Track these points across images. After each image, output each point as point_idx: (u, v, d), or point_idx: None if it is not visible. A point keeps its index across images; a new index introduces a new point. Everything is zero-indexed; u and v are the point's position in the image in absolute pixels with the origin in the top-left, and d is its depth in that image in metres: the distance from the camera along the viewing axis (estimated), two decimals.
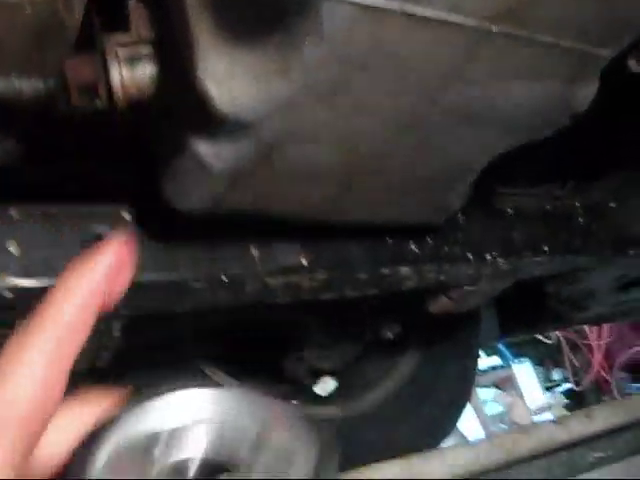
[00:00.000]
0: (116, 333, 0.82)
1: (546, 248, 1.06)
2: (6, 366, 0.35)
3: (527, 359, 4.71)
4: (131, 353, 1.15)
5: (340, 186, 0.67)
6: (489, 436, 1.17)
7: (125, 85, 0.62)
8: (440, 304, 1.13)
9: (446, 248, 0.95)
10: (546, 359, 6.06)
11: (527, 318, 2.05)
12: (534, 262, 1.06)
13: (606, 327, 5.79)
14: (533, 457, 1.18)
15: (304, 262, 0.81)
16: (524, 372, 4.55)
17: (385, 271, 0.89)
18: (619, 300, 1.69)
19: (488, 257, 0.99)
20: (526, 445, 1.18)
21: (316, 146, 0.60)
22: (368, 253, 0.87)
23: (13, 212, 0.70)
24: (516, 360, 4.84)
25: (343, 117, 0.58)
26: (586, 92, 0.65)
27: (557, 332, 5.96)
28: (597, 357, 5.83)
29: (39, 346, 0.35)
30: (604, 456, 1.28)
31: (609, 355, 5.90)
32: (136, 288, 0.77)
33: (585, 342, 5.92)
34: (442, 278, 0.98)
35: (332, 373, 1.53)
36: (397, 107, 0.60)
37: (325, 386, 1.69)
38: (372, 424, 1.40)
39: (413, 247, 0.91)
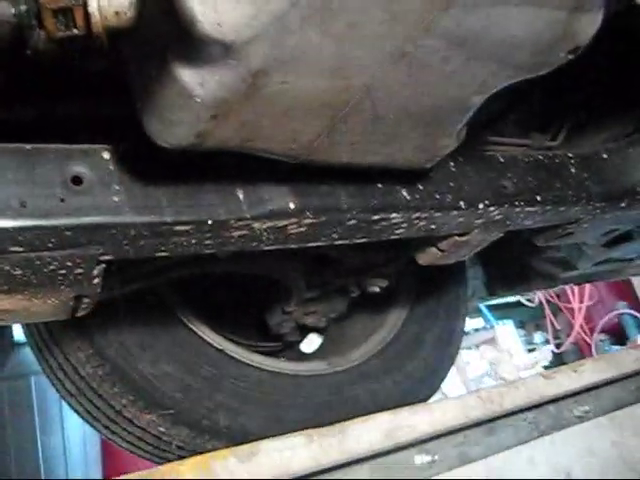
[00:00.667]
0: (96, 280, 0.79)
1: (539, 198, 1.03)
2: None
3: (510, 321, 4.76)
4: (112, 302, 1.12)
5: (329, 120, 0.64)
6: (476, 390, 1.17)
7: (103, 10, 0.59)
8: (429, 255, 1.10)
9: (438, 196, 0.92)
10: (528, 322, 6.14)
11: (513, 278, 2.05)
12: (526, 212, 1.03)
13: (587, 290, 5.86)
14: (520, 410, 1.17)
15: (292, 206, 0.78)
16: (507, 333, 4.60)
17: (375, 217, 0.86)
18: (606, 257, 1.69)
19: (480, 205, 0.96)
20: (513, 399, 1.17)
21: (305, 75, 0.56)
22: (358, 198, 0.84)
23: None
24: (499, 322, 4.89)
25: (335, 43, 0.54)
26: (590, 23, 0.62)
27: (539, 295, 6.01)
28: (578, 320, 5.91)
29: None
30: (590, 410, 1.27)
31: (590, 318, 5.99)
32: (117, 230, 0.74)
33: (567, 305, 6.00)
34: (433, 227, 0.95)
35: (318, 330, 1.51)
36: (390, 34, 0.56)
37: (311, 343, 1.68)
38: (359, 379, 1.39)
39: (404, 193, 0.88)
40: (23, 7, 0.59)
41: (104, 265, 0.77)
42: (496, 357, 4.06)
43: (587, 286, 5.89)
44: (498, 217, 1.01)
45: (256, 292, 1.40)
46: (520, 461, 1.15)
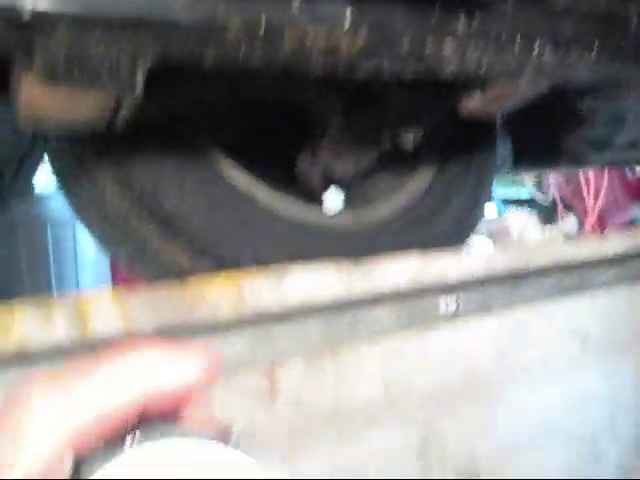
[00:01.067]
0: (139, 81, 0.76)
1: (595, 47, 0.99)
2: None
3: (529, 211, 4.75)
4: (147, 125, 1.10)
5: None
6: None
7: None
8: (474, 102, 1.07)
9: (494, 29, 0.87)
10: (540, 218, 6.12)
11: (542, 154, 2.01)
12: (581, 61, 0.99)
13: (603, 190, 5.81)
14: (545, 270, 1.17)
15: (348, 17, 0.74)
16: (521, 218, 4.59)
17: (429, 42, 0.82)
18: None
19: (535, 47, 0.92)
20: (539, 258, 1.17)
21: None
22: (414, 18, 0.80)
23: None
24: (512, 210, 4.87)
25: None
26: None
27: (553, 192, 5.98)
28: (591, 219, 5.89)
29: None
30: (613, 277, 1.28)
31: (602, 217, 5.97)
32: (166, 26, 0.71)
33: (581, 204, 5.97)
34: (484, 64, 0.91)
35: (344, 182, 1.49)
36: None
37: (333, 200, 1.66)
38: (383, 235, 1.38)
39: (461, 21, 0.83)
40: None
41: (148, 66, 0.75)
42: (523, 226, 4.06)
43: (603, 185, 5.84)
44: (551, 63, 0.97)
45: (288, 134, 1.37)
46: (541, 317, 1.16)
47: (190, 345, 0.33)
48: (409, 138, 1.30)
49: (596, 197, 6.01)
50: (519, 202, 5.90)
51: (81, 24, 0.66)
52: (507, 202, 5.74)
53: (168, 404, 0.32)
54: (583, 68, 1.01)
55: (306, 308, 0.90)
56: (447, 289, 1.04)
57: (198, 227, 1.27)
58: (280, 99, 1.23)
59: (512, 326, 1.12)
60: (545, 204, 6.14)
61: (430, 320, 1.02)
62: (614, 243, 1.32)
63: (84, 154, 1.27)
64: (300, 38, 0.74)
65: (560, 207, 6.18)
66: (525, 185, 5.91)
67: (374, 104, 1.22)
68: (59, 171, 1.36)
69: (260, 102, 1.22)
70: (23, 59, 0.73)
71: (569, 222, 4.83)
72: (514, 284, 1.13)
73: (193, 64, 0.75)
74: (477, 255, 1.11)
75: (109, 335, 0.77)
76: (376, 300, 0.97)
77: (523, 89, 1.01)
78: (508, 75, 0.97)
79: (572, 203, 6.16)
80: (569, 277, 1.20)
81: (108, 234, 1.35)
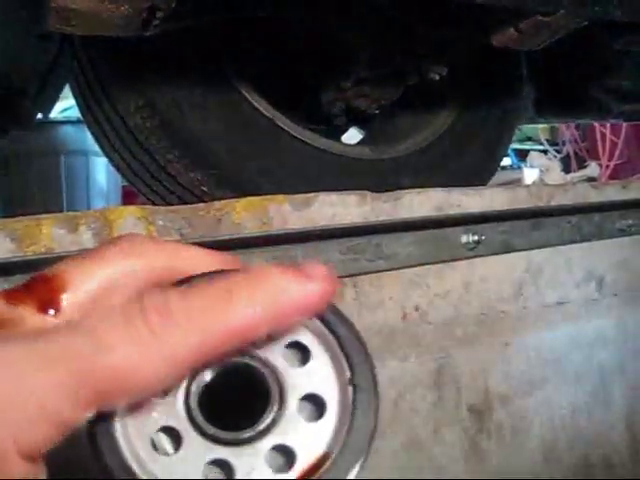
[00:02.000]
0: None
1: None
2: None
3: (535, 170, 4.72)
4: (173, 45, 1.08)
5: None
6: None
7: None
8: (505, 36, 1.05)
9: None
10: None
11: (566, 103, 1.98)
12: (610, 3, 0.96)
13: (619, 148, 5.75)
14: (566, 212, 1.16)
15: None
16: (533, 176, 4.57)
17: None
18: None
19: None
20: (561, 200, 1.16)
21: None
22: None
23: None
24: (526, 165, 4.85)
25: None
26: None
27: (567, 147, 5.92)
28: (605, 177, 5.84)
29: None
30: (633, 225, 1.27)
31: (616, 177, 5.92)
32: None
33: (595, 161, 5.92)
34: None
35: (366, 118, 1.48)
36: None
37: (352, 137, 1.65)
38: (403, 170, 1.38)
39: None
40: None
41: None
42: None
43: (619, 144, 5.78)
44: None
45: (315, 66, 1.35)
46: (559, 260, 1.16)
47: (312, 267, 0.34)
48: (434, 74, 1.28)
49: (611, 154, 5.95)
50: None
51: None
52: (519, 152, 5.69)
53: (294, 320, 0.33)
54: (620, 4, 0.99)
55: (330, 232, 0.90)
56: (469, 221, 1.04)
57: (220, 152, 1.26)
58: (314, 23, 1.20)
59: (531, 265, 1.13)
60: (559, 157, 6.09)
61: (451, 252, 1.02)
62: (637, 190, 1.31)
63: (107, 74, 1.26)
64: None
65: (573, 162, 6.13)
66: (540, 139, 5.86)
67: (404, 38, 1.20)
68: (81, 93, 1.35)
69: (286, 29, 1.20)
70: None
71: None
72: (535, 224, 1.12)
73: None
74: (499, 191, 1.10)
75: None
76: (398, 229, 0.97)
77: (557, 24, 0.99)
78: (542, 10, 0.94)
79: (586, 159, 6.11)
80: (589, 222, 1.20)
81: (127, 159, 1.34)
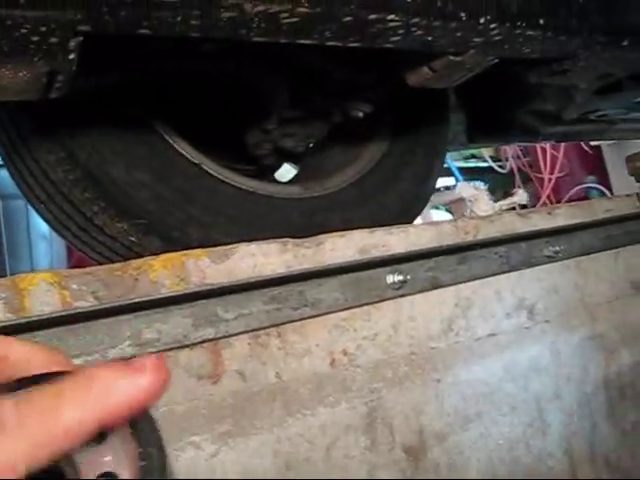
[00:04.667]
0: (72, 55, 0.73)
1: (541, 22, 0.98)
2: None
3: (481, 183, 4.79)
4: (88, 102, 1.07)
5: None
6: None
7: None
8: (420, 75, 1.06)
9: (439, 3, 0.87)
10: (497, 189, 6.19)
11: (495, 128, 2.02)
12: (526, 36, 0.99)
13: (559, 162, 5.89)
14: (493, 244, 1.18)
15: None
16: (470, 189, 4.61)
17: (372, 16, 0.81)
18: (594, 107, 1.66)
19: (482, 20, 0.91)
20: (487, 231, 1.18)
21: None
22: None
23: None
24: (469, 183, 4.91)
25: None
26: None
27: (511, 162, 6.03)
28: (547, 190, 5.97)
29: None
30: (560, 251, 1.29)
31: (558, 190, 6.06)
32: None
33: (537, 175, 6.05)
34: (429, 38, 0.90)
35: (294, 156, 1.48)
36: None
37: (285, 173, 1.65)
38: (333, 207, 1.38)
39: None
40: None
41: (82, 38, 0.72)
42: (474, 195, 4.10)
43: (559, 157, 5.91)
44: (497, 37, 0.96)
45: (237, 110, 1.35)
46: (488, 292, 1.17)
47: (140, 360, 0.36)
48: (358, 112, 1.29)
49: (552, 168, 6.08)
50: (477, 171, 5.95)
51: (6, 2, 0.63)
52: (464, 170, 5.77)
53: (124, 416, 0.34)
54: (528, 43, 1.01)
55: (251, 284, 0.89)
56: (394, 262, 1.04)
57: (146, 201, 1.25)
58: (226, 73, 1.20)
59: (460, 299, 1.13)
60: (503, 172, 6.20)
61: (377, 293, 1.02)
62: (563, 216, 1.33)
63: (27, 129, 1.23)
64: (238, 8, 0.73)
65: (517, 177, 6.25)
66: (483, 156, 5.96)
67: (319, 79, 1.21)
68: (4, 146, 1.32)
69: (206, 77, 1.20)
70: None
71: (520, 195, 4.88)
72: (462, 259, 1.13)
73: (128, 32, 0.73)
74: (425, 227, 1.11)
75: (47, 315, 0.75)
76: (322, 275, 0.97)
77: (469, 63, 1.01)
78: (452, 51, 0.96)
79: (529, 173, 6.23)
80: (517, 251, 1.21)
81: (53, 211, 1.32)
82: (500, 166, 6.01)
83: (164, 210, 1.25)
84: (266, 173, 1.48)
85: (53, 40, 0.70)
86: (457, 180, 5.16)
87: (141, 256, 1.27)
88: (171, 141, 1.27)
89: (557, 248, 1.28)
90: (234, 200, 1.28)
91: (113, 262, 1.34)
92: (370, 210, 1.40)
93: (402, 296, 1.04)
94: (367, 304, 1.00)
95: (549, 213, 1.31)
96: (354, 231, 1.01)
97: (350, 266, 0.99)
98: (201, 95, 1.32)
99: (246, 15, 0.73)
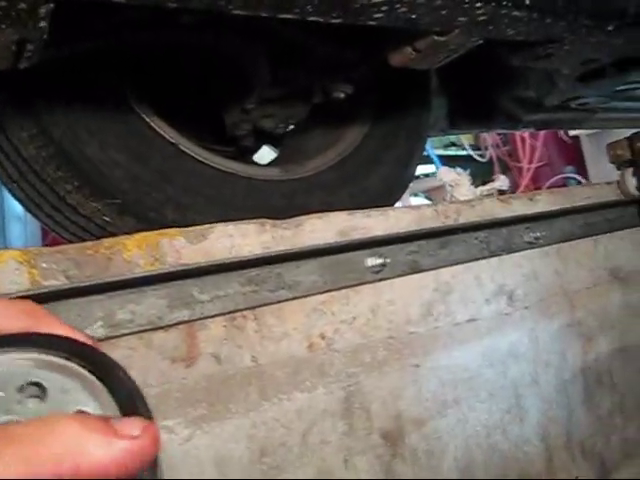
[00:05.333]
0: (42, 23, 0.70)
1: (527, 2, 0.97)
2: None
3: (461, 170, 4.79)
4: (59, 61, 1.04)
5: None
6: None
7: None
8: (403, 55, 1.04)
9: None
10: (476, 177, 6.21)
11: (477, 114, 2.01)
12: (512, 17, 0.97)
13: (538, 152, 5.91)
14: (474, 228, 1.16)
15: None
16: (450, 173, 4.61)
17: None
18: (576, 94, 1.65)
19: (466, 1, 0.89)
20: (468, 216, 1.16)
21: None
22: None
23: None
24: (451, 169, 4.91)
25: None
26: None
27: (491, 151, 6.05)
28: (525, 179, 6.00)
29: None
30: (540, 238, 1.28)
31: (537, 179, 6.09)
32: None
33: (516, 165, 6.07)
34: (413, 16, 0.88)
35: (274, 138, 1.46)
36: None
37: (264, 155, 1.62)
38: (313, 189, 1.36)
39: None
40: None
41: (52, 5, 0.69)
42: (455, 179, 4.10)
43: (538, 147, 5.94)
44: (482, 17, 0.95)
45: (216, 88, 1.32)
46: (468, 277, 1.16)
47: (127, 420, 0.32)
48: (340, 93, 1.27)
49: (531, 158, 6.11)
50: (457, 159, 5.96)
51: None
52: (444, 157, 5.78)
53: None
54: (513, 25, 1.00)
55: (228, 265, 0.87)
56: (374, 245, 1.02)
57: (121, 180, 1.22)
58: (205, 46, 1.17)
59: (439, 284, 1.12)
60: (483, 161, 6.22)
61: (356, 276, 1.00)
62: (543, 202, 1.33)
63: None
64: None
65: (496, 166, 6.27)
66: (463, 145, 5.97)
67: (300, 56, 1.18)
68: None
69: (185, 50, 1.17)
70: None
71: (501, 180, 4.89)
72: (442, 243, 1.12)
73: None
74: (405, 211, 1.09)
75: (14, 294, 0.73)
76: (301, 257, 0.95)
77: (453, 43, 0.99)
78: (437, 30, 0.94)
79: (508, 162, 6.26)
80: (497, 236, 1.20)
81: (26, 190, 1.28)
82: (480, 155, 6.02)
83: (139, 190, 1.22)
84: (245, 155, 1.46)
85: (22, 6, 0.67)
86: (437, 167, 5.16)
87: (115, 236, 1.25)
88: (148, 119, 1.24)
89: (537, 234, 1.27)
90: (212, 180, 1.26)
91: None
92: (350, 193, 1.38)
93: (381, 280, 1.02)
94: (346, 287, 0.99)
95: (530, 199, 1.30)
96: (333, 213, 0.99)
97: (329, 248, 0.97)
98: (179, 70, 1.28)
99: None
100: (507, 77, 1.69)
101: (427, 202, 4.50)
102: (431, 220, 1.12)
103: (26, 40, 0.73)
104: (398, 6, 0.84)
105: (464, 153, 6.00)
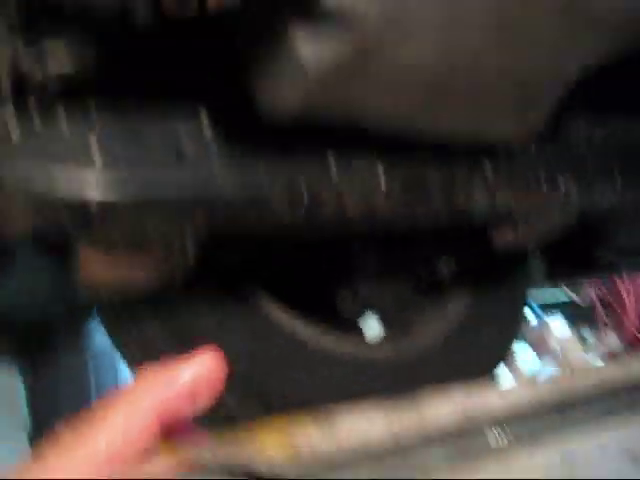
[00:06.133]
0: (190, 257, 0.81)
1: (619, 179, 1.03)
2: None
3: (559, 317, 4.69)
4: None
5: (430, 91, 0.65)
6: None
7: None
8: (505, 238, 1.11)
9: (519, 174, 0.93)
10: (579, 321, 6.04)
11: (576, 266, 2.03)
12: (606, 194, 1.03)
13: None
14: (594, 395, 1.16)
15: (382, 181, 0.80)
16: (556, 326, 4.51)
17: (457, 193, 0.87)
18: None
19: (561, 186, 0.97)
20: (586, 385, 1.17)
21: (414, 42, 0.58)
22: (444, 175, 0.85)
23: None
24: (550, 317, 4.81)
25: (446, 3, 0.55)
26: None
27: (590, 294, 5.90)
28: (631, 318, 5.78)
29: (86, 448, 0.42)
30: None
31: None
32: (216, 204, 0.76)
33: (618, 302, 5.88)
34: (513, 207, 0.96)
35: (379, 313, 1.51)
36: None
37: (371, 329, 1.68)
38: (424, 367, 1.39)
39: (488, 170, 0.89)
40: None
41: (200, 238, 0.80)
42: (566, 340, 4.00)
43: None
44: (578, 199, 1.01)
45: (324, 272, 1.40)
46: (591, 446, 1.15)
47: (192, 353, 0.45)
48: (444, 268, 1.34)
49: (636, 295, 5.92)
50: (557, 305, 5.84)
51: (140, 209, 0.72)
52: (545, 306, 5.67)
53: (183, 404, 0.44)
54: (609, 199, 1.06)
55: (358, 454, 0.91)
56: (495, 422, 1.04)
57: (243, 368, 1.29)
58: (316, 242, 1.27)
59: (562, 453, 1.11)
60: (583, 305, 6.06)
61: (480, 455, 1.02)
62: None
63: (134, 309, 1.31)
64: (339, 202, 0.80)
65: (599, 308, 6.10)
66: (561, 288, 5.87)
67: (406, 244, 1.27)
68: (108, 324, 1.40)
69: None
70: (84, 237, 0.79)
71: (610, 338, 4.74)
72: (562, 414, 1.12)
73: (241, 234, 0.80)
74: (523, 386, 1.11)
75: None
76: (425, 438, 0.98)
77: (552, 224, 1.05)
78: (537, 214, 1.01)
79: (610, 303, 6.08)
80: (617, 401, 1.19)
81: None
82: (579, 297, 5.89)
83: (262, 379, 1.28)
84: (356, 331, 1.52)
85: (174, 242, 0.78)
86: (537, 315, 5.07)
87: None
88: (265, 307, 1.32)
89: None
90: (331, 365, 1.31)
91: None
92: (459, 367, 1.41)
93: (509, 458, 1.03)
94: (471, 465, 1.00)
95: None
96: (450, 391, 1.03)
97: (452, 428, 0.99)
98: (294, 259, 1.38)
99: (345, 207, 0.80)
100: (607, 230, 1.72)
101: (528, 349, 4.39)
102: (549, 392, 1.13)
103: (176, 268, 0.84)
104: (498, 201, 0.92)
105: (562, 294, 5.89)
